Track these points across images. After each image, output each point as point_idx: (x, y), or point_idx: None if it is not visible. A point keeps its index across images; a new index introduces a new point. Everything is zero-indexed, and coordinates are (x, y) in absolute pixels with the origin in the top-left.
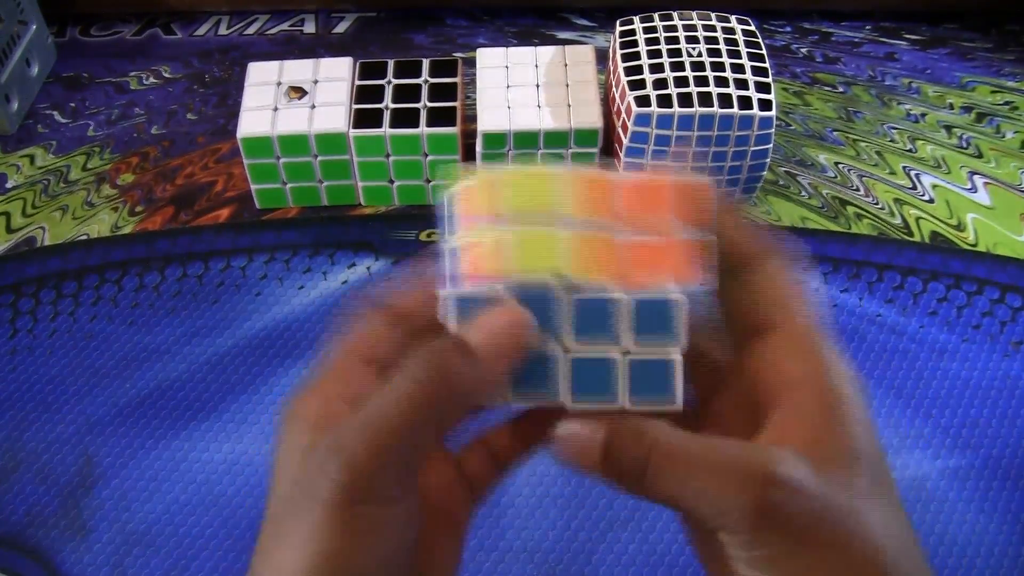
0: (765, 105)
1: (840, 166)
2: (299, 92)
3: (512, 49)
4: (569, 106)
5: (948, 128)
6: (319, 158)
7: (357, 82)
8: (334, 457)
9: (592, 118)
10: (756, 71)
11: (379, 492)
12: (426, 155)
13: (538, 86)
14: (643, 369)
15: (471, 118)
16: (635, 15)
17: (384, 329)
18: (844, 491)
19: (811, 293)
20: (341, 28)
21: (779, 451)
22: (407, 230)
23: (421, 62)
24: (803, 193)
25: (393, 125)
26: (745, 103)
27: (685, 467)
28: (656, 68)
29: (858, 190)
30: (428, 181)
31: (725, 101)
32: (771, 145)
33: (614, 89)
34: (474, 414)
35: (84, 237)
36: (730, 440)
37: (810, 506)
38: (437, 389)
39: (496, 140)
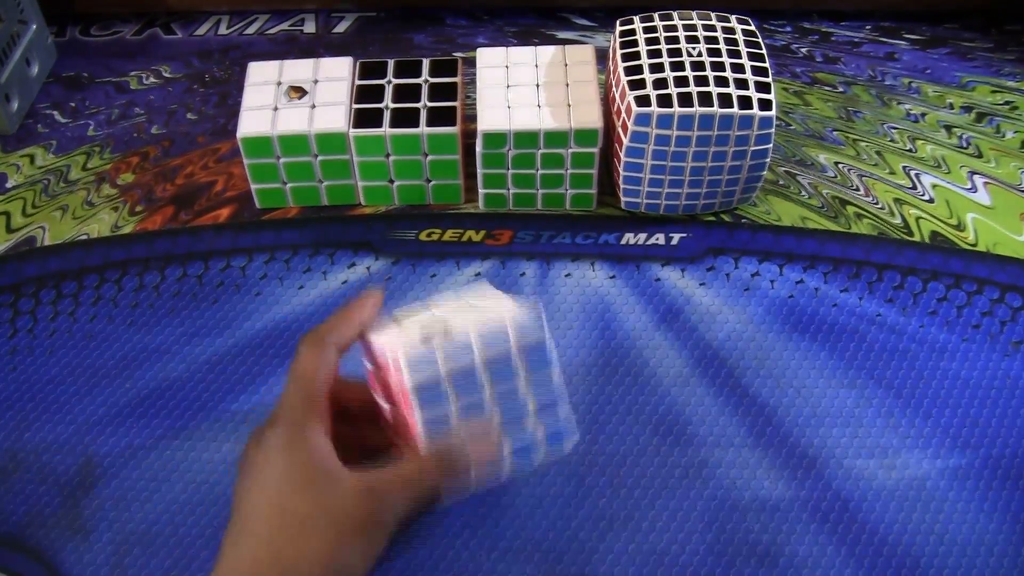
0: (765, 105)
1: (840, 166)
2: (299, 92)
3: (512, 49)
4: (569, 106)
5: (948, 128)
6: (319, 158)
7: (357, 82)
8: (370, 497)
9: (592, 118)
10: (756, 71)
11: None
12: (426, 155)
13: (538, 86)
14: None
15: (471, 118)
16: (635, 15)
17: (334, 360)
18: None
19: None
20: (341, 28)
21: None
22: (407, 230)
23: (421, 62)
24: (803, 193)
25: (393, 125)
26: (745, 103)
27: None
28: (656, 68)
29: (858, 190)
30: (428, 181)
31: (725, 101)
32: (771, 145)
33: (614, 89)
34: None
35: (84, 237)
36: None
37: None
38: (416, 483)
39: (496, 140)
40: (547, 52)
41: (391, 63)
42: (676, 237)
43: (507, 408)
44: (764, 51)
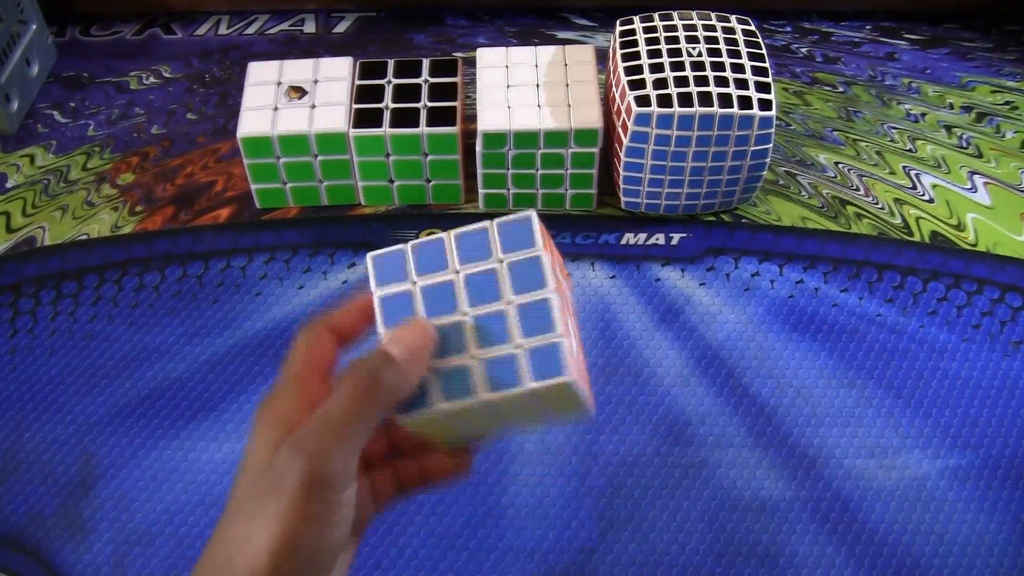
0: (765, 105)
1: (840, 166)
2: (299, 92)
3: (512, 49)
4: (569, 106)
5: (948, 128)
6: (319, 158)
7: (357, 82)
8: (297, 454)
9: (592, 118)
10: (756, 71)
11: (333, 479)
12: (426, 155)
13: (538, 86)
14: (538, 354)
15: (471, 118)
16: (635, 15)
17: (327, 343)
18: None
19: None
20: (341, 28)
21: None
22: (407, 230)
23: (421, 62)
24: (803, 193)
25: (393, 125)
26: (745, 103)
27: None
28: (656, 68)
29: (858, 190)
30: (428, 181)
31: (725, 101)
32: (771, 145)
33: (614, 89)
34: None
35: (84, 237)
36: None
37: None
38: (371, 392)
39: (496, 140)
40: (547, 52)
41: (391, 63)
42: (676, 237)
43: (484, 331)
44: (764, 51)
